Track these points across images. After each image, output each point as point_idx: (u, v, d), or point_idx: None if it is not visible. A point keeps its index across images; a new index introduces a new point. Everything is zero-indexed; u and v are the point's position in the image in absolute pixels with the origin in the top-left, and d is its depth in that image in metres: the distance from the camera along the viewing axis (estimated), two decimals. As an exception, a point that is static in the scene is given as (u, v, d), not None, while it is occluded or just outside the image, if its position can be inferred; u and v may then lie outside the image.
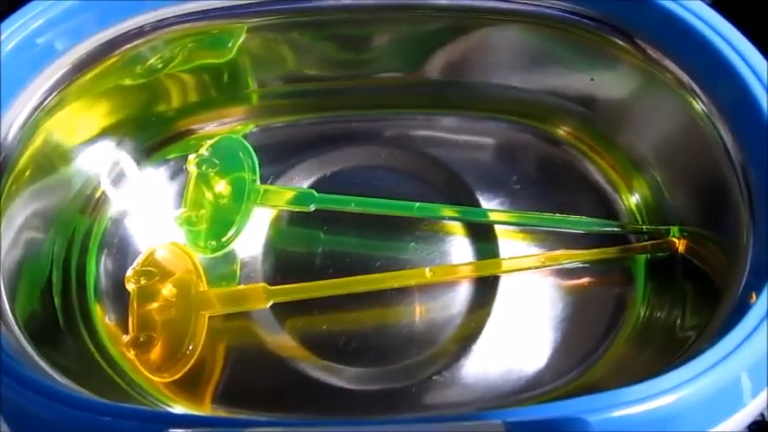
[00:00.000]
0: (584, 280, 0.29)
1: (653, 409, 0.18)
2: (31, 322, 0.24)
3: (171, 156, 0.32)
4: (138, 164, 0.32)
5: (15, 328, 0.22)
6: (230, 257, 0.29)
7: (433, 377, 0.27)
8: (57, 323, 0.27)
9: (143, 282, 0.27)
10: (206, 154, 0.30)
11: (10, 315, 0.23)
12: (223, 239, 0.29)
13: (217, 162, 0.30)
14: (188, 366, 0.26)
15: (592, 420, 0.18)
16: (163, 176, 0.32)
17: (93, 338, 0.27)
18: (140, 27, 0.28)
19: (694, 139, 0.27)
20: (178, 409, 0.26)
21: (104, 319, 0.28)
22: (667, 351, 0.25)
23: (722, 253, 0.25)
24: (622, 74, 0.29)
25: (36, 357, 0.22)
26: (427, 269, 0.28)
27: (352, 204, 0.29)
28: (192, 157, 0.30)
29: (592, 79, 0.30)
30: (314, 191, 0.30)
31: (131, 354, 0.26)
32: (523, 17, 0.29)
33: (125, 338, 0.27)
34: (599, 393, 0.19)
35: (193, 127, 0.33)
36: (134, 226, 0.30)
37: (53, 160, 0.28)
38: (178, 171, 0.32)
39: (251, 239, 0.30)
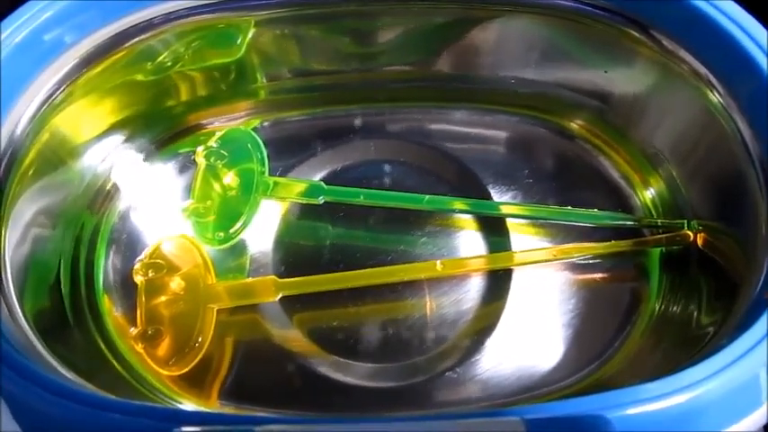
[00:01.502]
0: (599, 274, 0.29)
1: (671, 406, 0.18)
2: (40, 318, 0.24)
3: (179, 151, 0.32)
4: (147, 159, 0.31)
5: (24, 323, 0.22)
6: (239, 250, 0.29)
7: (447, 373, 0.26)
8: (65, 319, 0.26)
9: (151, 274, 0.27)
10: (214, 146, 0.30)
11: (18, 311, 0.23)
12: (231, 231, 0.29)
13: (225, 154, 0.30)
14: (196, 360, 0.26)
15: (611, 417, 0.18)
16: (171, 172, 0.32)
17: (101, 334, 0.27)
18: (149, 20, 0.28)
19: (711, 133, 0.26)
20: (186, 404, 0.26)
21: (113, 314, 0.28)
22: (683, 347, 0.25)
23: (739, 248, 0.25)
24: (637, 66, 0.28)
25: (44, 353, 0.22)
26: (438, 262, 0.28)
27: (362, 197, 0.29)
28: (200, 148, 0.30)
29: (605, 71, 0.30)
30: (323, 183, 0.29)
31: (139, 347, 0.26)
32: (534, 8, 0.29)
33: (133, 331, 0.27)
34: (618, 390, 0.18)
35: (202, 122, 0.33)
36: (142, 221, 0.30)
37: (61, 155, 0.28)
38: (186, 166, 0.31)
39: (260, 233, 0.30)
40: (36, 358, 0.21)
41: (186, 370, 0.26)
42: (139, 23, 0.28)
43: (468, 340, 0.27)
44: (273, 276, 0.28)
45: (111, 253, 0.29)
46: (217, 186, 0.29)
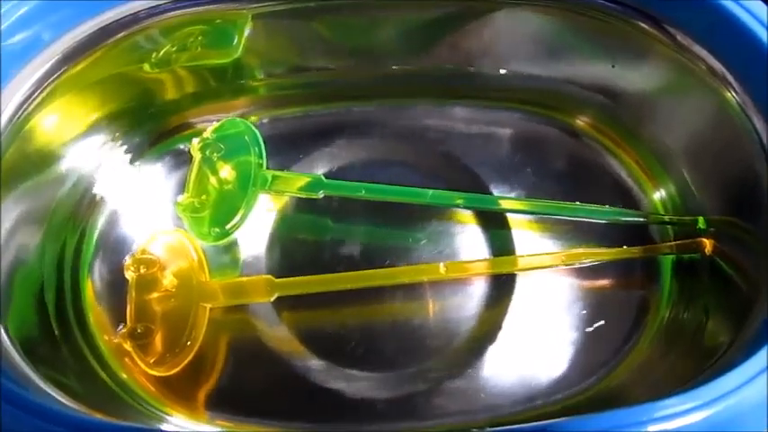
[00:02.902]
0: (607, 278, 0.28)
1: (689, 424, 0.18)
2: (25, 333, 0.23)
3: (169, 150, 0.31)
4: (135, 159, 0.30)
5: (7, 341, 0.21)
6: (233, 246, 0.28)
7: (447, 382, 0.26)
8: (50, 330, 0.26)
9: (142, 270, 0.26)
10: (211, 138, 0.29)
11: (2, 329, 0.22)
12: (227, 227, 0.28)
13: (222, 146, 0.29)
14: (186, 360, 0.26)
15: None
16: (160, 172, 0.31)
17: (88, 343, 0.26)
18: (133, 14, 0.26)
19: (726, 132, 0.25)
20: (174, 415, 0.25)
21: (99, 321, 0.27)
22: (692, 358, 0.25)
23: (753, 255, 0.24)
24: (649, 62, 0.27)
25: (28, 370, 0.21)
26: (441, 264, 0.27)
27: (363, 191, 0.28)
28: (195, 140, 0.29)
29: (613, 66, 0.29)
30: (323, 177, 0.28)
31: (128, 345, 0.25)
32: (541, 1, 0.28)
33: (121, 329, 0.26)
34: (634, 407, 0.18)
35: (192, 120, 0.31)
36: (130, 224, 0.29)
37: (44, 157, 0.27)
38: (176, 166, 0.30)
39: (256, 228, 0.29)
40: (18, 376, 0.20)
41: (175, 371, 0.25)
42: (123, 17, 0.26)
43: (471, 347, 0.26)
44: (269, 276, 0.27)
45: (98, 258, 0.28)
46: (213, 180, 0.28)
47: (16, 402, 0.18)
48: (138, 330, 0.25)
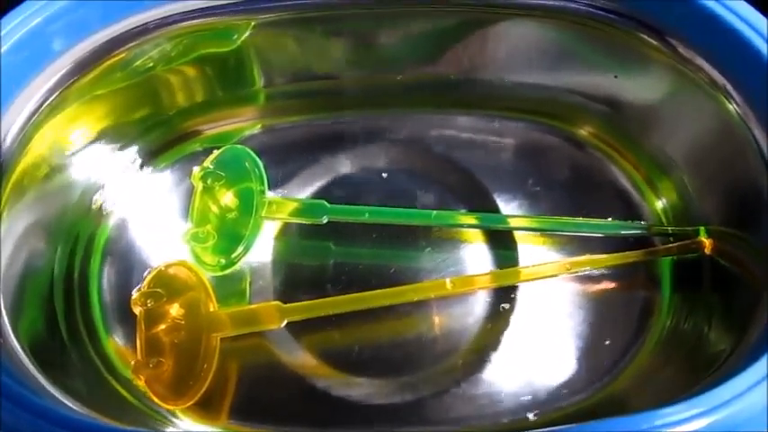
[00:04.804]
0: (608, 286, 0.28)
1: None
2: (34, 338, 0.23)
3: (176, 158, 0.31)
4: (143, 167, 0.31)
5: (16, 344, 0.22)
6: (239, 273, 0.28)
7: (451, 390, 0.26)
8: (60, 337, 0.26)
9: (150, 304, 0.26)
10: (210, 167, 0.28)
11: (11, 333, 0.22)
12: (232, 256, 0.27)
13: (222, 174, 0.28)
14: (200, 393, 0.25)
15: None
16: (168, 180, 0.31)
17: (98, 352, 0.26)
18: (144, 25, 0.27)
19: (727, 142, 0.26)
20: (190, 423, 0.25)
21: (109, 330, 0.27)
22: (695, 363, 0.25)
23: (755, 262, 0.24)
24: (650, 73, 0.28)
25: (39, 376, 0.21)
26: (448, 280, 0.27)
27: (367, 215, 0.28)
28: (196, 170, 0.28)
29: (615, 76, 0.29)
30: (325, 202, 0.28)
31: (141, 381, 0.25)
32: (544, 12, 0.28)
33: (133, 364, 0.25)
34: (632, 415, 0.18)
35: (199, 128, 0.32)
36: (139, 233, 0.29)
37: (54, 165, 0.27)
38: (184, 174, 0.30)
39: (259, 253, 0.29)
40: (28, 381, 0.20)
41: (190, 404, 0.25)
42: (135, 28, 0.27)
43: (474, 355, 0.27)
44: (278, 302, 0.26)
45: (107, 266, 0.28)
46: (215, 209, 0.28)
47: (24, 405, 0.18)
48: (150, 365, 0.25)
